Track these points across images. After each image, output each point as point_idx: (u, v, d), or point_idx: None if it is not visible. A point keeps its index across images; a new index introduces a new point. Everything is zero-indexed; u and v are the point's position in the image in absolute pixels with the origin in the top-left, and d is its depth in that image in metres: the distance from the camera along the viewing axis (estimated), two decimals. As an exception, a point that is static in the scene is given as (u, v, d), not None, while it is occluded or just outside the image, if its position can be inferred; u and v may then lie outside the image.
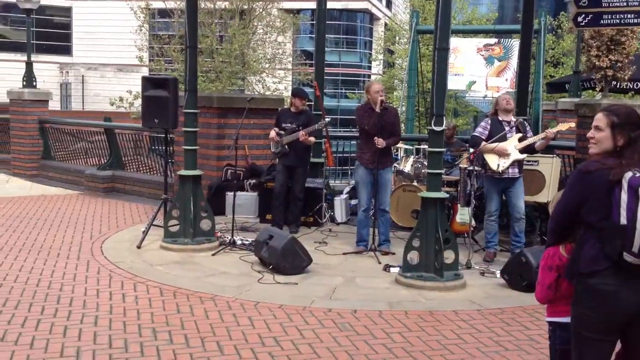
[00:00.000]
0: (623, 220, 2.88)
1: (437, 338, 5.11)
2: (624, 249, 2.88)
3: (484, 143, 7.25)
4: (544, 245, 7.52)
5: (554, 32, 28.40)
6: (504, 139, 7.23)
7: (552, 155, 8.22)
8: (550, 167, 8.24)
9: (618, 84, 14.54)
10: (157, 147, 12.69)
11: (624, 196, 2.89)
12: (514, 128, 7.32)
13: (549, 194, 8.28)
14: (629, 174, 2.92)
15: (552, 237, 3.35)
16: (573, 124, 7.31)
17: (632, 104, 4.17)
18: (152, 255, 7.24)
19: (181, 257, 7.19)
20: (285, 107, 9.40)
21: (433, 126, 6.45)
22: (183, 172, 7.61)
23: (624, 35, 13.77)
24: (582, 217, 3.09)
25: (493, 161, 7.19)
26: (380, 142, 7.36)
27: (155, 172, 12.34)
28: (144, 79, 7.93)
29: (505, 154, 7.16)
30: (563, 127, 7.26)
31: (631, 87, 14.80)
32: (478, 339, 5.14)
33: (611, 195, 2.94)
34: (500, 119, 7.36)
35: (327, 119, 8.54)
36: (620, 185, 2.92)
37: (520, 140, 7.26)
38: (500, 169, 7.14)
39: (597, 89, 14.86)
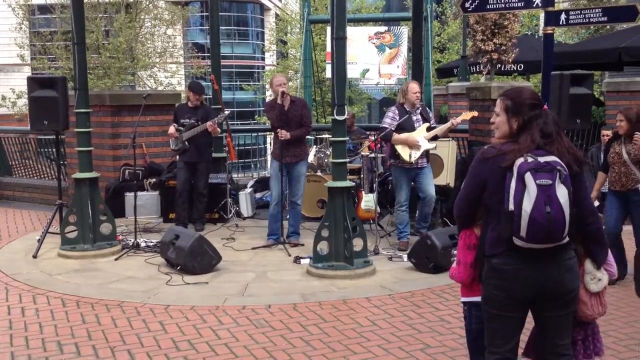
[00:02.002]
0: (511, 206, 2.94)
1: (352, 326, 5.14)
2: (513, 234, 2.96)
3: (395, 135, 7.29)
4: (445, 226, 7.80)
5: (438, 19, 29.29)
6: (412, 129, 7.31)
7: (448, 139, 8.46)
8: (447, 151, 8.51)
9: (503, 66, 15.22)
10: (45, 150, 12.11)
11: (512, 182, 2.95)
12: (420, 117, 7.40)
13: (448, 176, 8.55)
14: (519, 160, 2.97)
15: (459, 223, 3.43)
16: (476, 113, 7.48)
17: (526, 86, 4.29)
18: (50, 265, 6.88)
19: (82, 265, 6.87)
20: (183, 102, 9.17)
21: (335, 115, 6.46)
22: (78, 175, 7.25)
23: (507, 19, 14.46)
24: (484, 201, 3.17)
25: (404, 152, 7.28)
26: (283, 134, 7.31)
27: (45, 176, 11.76)
28: (30, 79, 7.48)
29: (416, 145, 7.26)
30: (467, 116, 7.40)
31: (515, 68, 15.48)
32: (392, 323, 5.21)
33: (505, 181, 3.01)
34: (407, 108, 7.40)
35: (226, 112, 8.40)
36: (511, 171, 2.98)
37: (428, 129, 7.36)
38: (413, 159, 7.24)
39: (484, 72, 15.48)
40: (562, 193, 2.91)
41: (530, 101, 3.14)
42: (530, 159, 2.95)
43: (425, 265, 6.52)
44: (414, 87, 7.43)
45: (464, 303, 3.54)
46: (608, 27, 16.28)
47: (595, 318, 3.35)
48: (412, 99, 7.33)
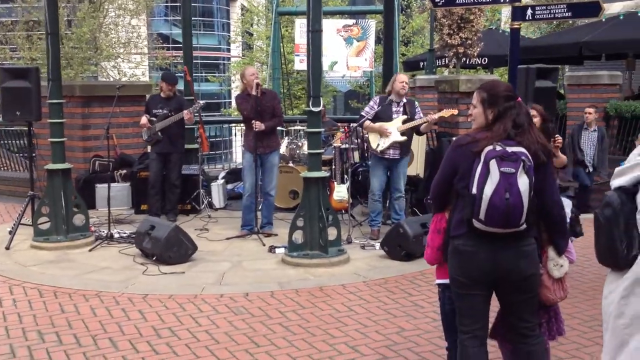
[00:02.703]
0: (474, 189, 3.11)
1: (329, 312, 5.27)
2: (473, 216, 3.13)
3: (368, 122, 7.38)
4: (415, 216, 7.98)
5: (403, 12, 29.54)
6: (389, 119, 7.39)
7: (418, 130, 8.62)
8: (417, 142, 8.67)
9: (468, 59, 15.47)
10: (6, 142, 11.92)
11: (478, 168, 3.12)
12: (401, 109, 7.45)
13: (417, 167, 8.73)
14: (488, 148, 3.13)
15: (434, 205, 3.59)
16: (456, 111, 7.56)
17: (494, 78, 4.46)
18: (23, 256, 6.85)
19: (56, 256, 6.86)
20: (155, 93, 9.16)
21: (311, 107, 6.56)
22: (51, 166, 7.22)
23: (473, 14, 14.71)
24: (454, 185, 3.34)
25: (374, 140, 7.38)
26: (257, 125, 7.37)
27: (7, 168, 11.62)
28: (3, 69, 7.40)
29: (385, 134, 7.33)
30: (446, 114, 7.46)
31: (480, 62, 15.75)
32: (367, 309, 5.35)
33: (473, 166, 3.17)
34: (392, 99, 7.41)
35: (201, 102, 8.43)
36: (479, 157, 3.14)
37: (404, 122, 7.43)
38: (379, 148, 7.30)
39: (451, 66, 15.72)
40: (523, 182, 3.07)
41: (505, 93, 3.31)
42: (498, 148, 3.12)
43: (398, 253, 6.67)
44: (402, 77, 7.52)
45: (438, 285, 3.70)
46: (570, 22, 16.69)
47: (557, 302, 3.53)
48: (397, 87, 7.32)
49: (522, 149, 3.13)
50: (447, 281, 3.54)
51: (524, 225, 3.12)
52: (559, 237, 3.40)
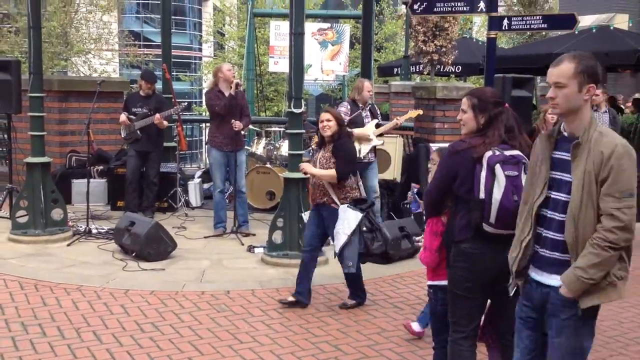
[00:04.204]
0: (482, 194, 3.25)
1: (311, 312, 5.36)
2: (483, 220, 3.27)
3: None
4: (390, 220, 8.11)
5: (376, 18, 29.77)
6: (361, 124, 7.56)
7: (395, 136, 8.79)
8: (394, 147, 8.83)
9: (442, 67, 15.70)
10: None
11: (483, 173, 3.26)
12: (369, 114, 7.69)
13: (395, 172, 8.87)
14: (488, 153, 3.28)
15: (429, 210, 3.70)
16: (421, 111, 7.83)
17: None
18: (1, 249, 6.80)
19: (34, 249, 6.83)
20: (134, 90, 9.15)
21: (292, 108, 6.65)
22: (30, 159, 7.19)
23: (448, 22, 14.95)
24: (454, 191, 3.45)
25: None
26: (237, 125, 7.44)
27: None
28: (-17, 61, 7.37)
29: (367, 140, 7.51)
30: (413, 114, 7.70)
31: (454, 70, 16.00)
32: (349, 309, 5.45)
33: (475, 172, 3.30)
34: (360, 104, 7.64)
35: (184, 104, 8.48)
36: (481, 162, 3.28)
37: (377, 126, 7.63)
38: (362, 154, 7.46)
39: (425, 72, 15.95)
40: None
41: (494, 99, 3.46)
42: (497, 152, 3.26)
43: (377, 256, 6.77)
44: (368, 85, 7.74)
45: (430, 286, 3.81)
46: (543, 33, 17.05)
47: None
48: (366, 97, 7.62)
49: (519, 152, 3.28)
50: (440, 282, 3.66)
51: None
52: None
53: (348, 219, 5.07)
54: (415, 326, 4.80)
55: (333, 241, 5.27)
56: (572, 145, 2.80)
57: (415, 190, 7.64)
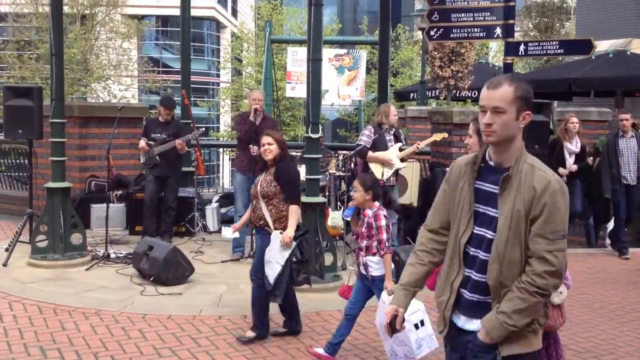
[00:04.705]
0: None
1: (327, 337, 5.29)
2: None
3: (370, 152, 7.59)
4: (407, 244, 8.09)
5: (392, 44, 29.96)
6: (385, 147, 7.61)
7: (412, 160, 8.80)
8: (411, 172, 8.84)
9: (459, 92, 15.74)
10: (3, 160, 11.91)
11: None
12: (393, 137, 7.76)
13: (411, 196, 8.87)
14: None
15: None
16: (446, 134, 7.88)
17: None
18: (21, 273, 6.86)
19: (53, 274, 6.88)
20: (153, 116, 9.26)
21: (310, 133, 6.70)
22: (51, 184, 7.28)
23: (464, 47, 15.02)
24: None
25: (377, 170, 7.57)
26: (254, 150, 7.49)
27: (3, 186, 11.60)
28: (7, 88, 7.52)
29: (390, 164, 7.56)
30: (437, 137, 7.75)
31: (470, 95, 16.02)
32: (365, 334, 5.45)
33: None
34: (384, 127, 7.72)
35: (201, 129, 8.55)
36: None
37: (400, 149, 7.69)
38: (385, 177, 7.52)
39: (441, 97, 15.99)
40: None
41: None
42: None
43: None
44: (394, 109, 7.90)
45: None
46: (559, 58, 17.06)
47: (557, 328, 3.65)
48: (392, 120, 7.75)
49: None
50: None
51: None
52: None
53: (281, 248, 4.97)
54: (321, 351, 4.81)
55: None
56: (502, 178, 2.53)
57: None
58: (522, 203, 2.49)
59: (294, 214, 5.13)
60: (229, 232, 5.86)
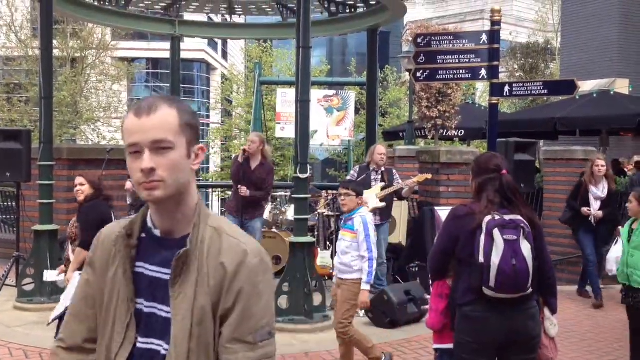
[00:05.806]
0: (481, 259, 3.29)
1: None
2: (483, 284, 3.28)
3: None
4: (396, 283, 8.07)
5: (380, 85, 30.37)
6: (368, 187, 7.63)
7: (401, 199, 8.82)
8: (400, 211, 8.86)
9: (446, 131, 15.91)
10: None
11: (482, 237, 3.31)
12: (380, 177, 7.77)
13: (400, 235, 8.88)
14: (487, 218, 3.33)
15: (434, 274, 3.72)
16: (429, 175, 7.91)
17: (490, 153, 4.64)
18: (7, 317, 6.78)
19: (40, 317, 6.78)
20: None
21: (298, 173, 6.74)
22: (38, 227, 7.25)
23: (450, 88, 15.23)
24: (456, 254, 3.48)
25: None
26: (243, 190, 7.51)
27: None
28: (-5, 130, 7.54)
29: (366, 203, 7.53)
30: (420, 178, 7.81)
31: (457, 134, 16.19)
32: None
33: (475, 236, 3.34)
34: (371, 167, 7.81)
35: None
36: (481, 227, 3.33)
37: (383, 189, 7.71)
38: None
39: (429, 137, 16.14)
40: (525, 247, 3.27)
41: (485, 165, 3.51)
42: (497, 217, 3.31)
43: (382, 320, 6.74)
44: (380, 148, 7.93)
45: (436, 350, 3.79)
46: (545, 98, 17.33)
47: None
48: (376, 159, 7.78)
49: (519, 217, 3.32)
50: (447, 346, 3.65)
51: (530, 289, 3.30)
52: (552, 297, 3.57)
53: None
54: None
55: None
56: (176, 257, 1.63)
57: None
58: (206, 293, 1.63)
59: (78, 255, 4.99)
60: (52, 275, 5.76)
